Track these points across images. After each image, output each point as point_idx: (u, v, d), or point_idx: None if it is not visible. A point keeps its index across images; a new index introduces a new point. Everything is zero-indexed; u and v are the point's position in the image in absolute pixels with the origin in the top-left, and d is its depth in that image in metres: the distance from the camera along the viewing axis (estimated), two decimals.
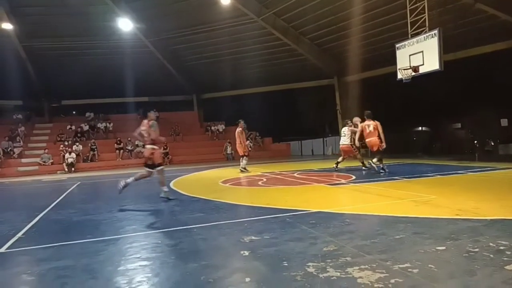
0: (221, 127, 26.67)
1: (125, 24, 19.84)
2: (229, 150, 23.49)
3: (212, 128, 26.53)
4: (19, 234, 4.83)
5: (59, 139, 22.67)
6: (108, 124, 25.21)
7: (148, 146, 7.24)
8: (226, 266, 3.27)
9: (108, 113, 27.07)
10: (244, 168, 13.19)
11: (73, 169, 19.61)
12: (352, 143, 11.30)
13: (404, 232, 3.94)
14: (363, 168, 11.14)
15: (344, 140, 11.53)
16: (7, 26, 18.90)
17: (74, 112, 29.60)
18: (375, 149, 10.16)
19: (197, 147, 24.45)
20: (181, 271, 3.16)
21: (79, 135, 23.43)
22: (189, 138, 25.69)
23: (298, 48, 20.62)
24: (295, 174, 11.18)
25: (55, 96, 26.64)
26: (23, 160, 20.74)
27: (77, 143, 21.81)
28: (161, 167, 7.29)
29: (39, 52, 22.04)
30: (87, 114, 26.05)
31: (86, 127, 24.37)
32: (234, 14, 19.11)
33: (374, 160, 10.14)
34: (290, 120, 31.55)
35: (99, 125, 24.99)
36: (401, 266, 2.93)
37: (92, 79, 24.26)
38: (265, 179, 10.23)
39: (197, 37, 21.55)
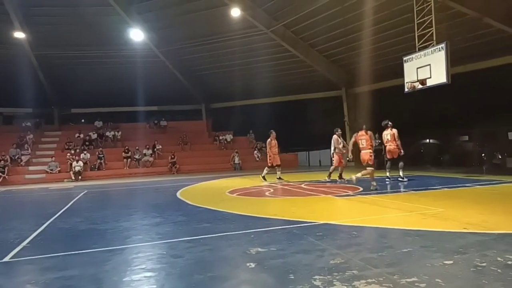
0: (229, 137, 26.72)
1: (137, 35, 20.14)
2: (236, 160, 23.51)
3: (220, 137, 26.59)
4: (25, 243, 4.85)
5: (67, 147, 22.85)
6: (116, 133, 25.40)
7: (366, 151, 9.06)
8: (232, 278, 3.26)
9: (117, 122, 27.29)
10: (264, 178, 13.21)
11: (80, 177, 19.74)
12: (339, 151, 12.32)
13: (412, 245, 3.91)
14: (338, 180, 11.86)
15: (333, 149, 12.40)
16: (20, 35, 19.27)
17: (83, 120, 29.90)
18: (394, 156, 11.09)
19: (205, 157, 24.49)
20: (186, 282, 3.16)
21: (87, 143, 23.61)
22: (197, 147, 25.76)
23: (307, 59, 20.71)
24: (302, 185, 11.14)
25: (65, 104, 26.96)
26: (31, 168, 20.91)
27: (85, 152, 21.97)
28: (372, 168, 9.06)
29: (50, 60, 22.40)
30: (96, 122, 26.29)
31: (94, 136, 24.57)
32: (244, 25, 19.29)
33: (401, 173, 10.99)
34: (298, 131, 31.48)
35: (107, 133, 25.18)
36: (408, 280, 2.90)
37: (102, 88, 24.55)
38: (272, 190, 10.21)
39: (207, 48, 21.75)
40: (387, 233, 4.62)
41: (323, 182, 11.94)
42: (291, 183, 11.89)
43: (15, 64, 21.55)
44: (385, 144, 11.33)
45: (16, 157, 21.16)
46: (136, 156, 22.75)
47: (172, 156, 22.55)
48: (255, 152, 24.94)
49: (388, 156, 11.30)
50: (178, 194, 10.14)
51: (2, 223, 6.74)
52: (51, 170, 20.49)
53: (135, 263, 3.79)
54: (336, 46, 19.38)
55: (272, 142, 13.56)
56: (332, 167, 12.49)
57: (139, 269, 3.55)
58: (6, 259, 4.13)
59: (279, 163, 13.56)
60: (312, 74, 22.25)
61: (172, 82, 24.90)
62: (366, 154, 9.05)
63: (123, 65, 23.25)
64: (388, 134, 11.10)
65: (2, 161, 19.59)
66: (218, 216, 6.41)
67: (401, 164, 11.09)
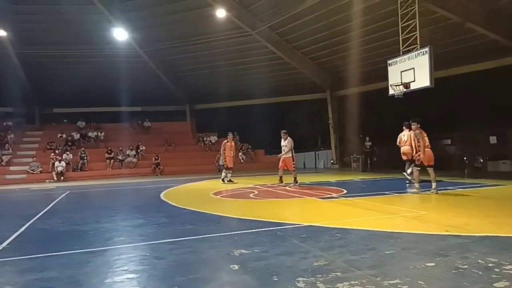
0: (213, 138, 26.57)
1: (120, 34, 19.85)
2: (221, 162, 23.33)
3: (205, 139, 26.45)
4: (4, 244, 4.72)
5: (49, 147, 22.39)
6: (99, 133, 25.00)
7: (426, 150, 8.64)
8: (215, 280, 3.23)
9: (100, 122, 26.85)
10: (223, 180, 13.59)
11: (62, 178, 19.34)
12: (292, 155, 11.80)
13: (394, 248, 3.94)
14: (278, 184, 11.65)
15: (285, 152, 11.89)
16: (1, 33, 18.79)
17: (65, 120, 29.31)
18: (404, 158, 10.64)
19: (189, 158, 24.31)
20: (168, 284, 3.11)
21: (69, 143, 23.17)
22: (181, 148, 25.56)
23: (292, 61, 20.81)
24: (286, 187, 11.15)
25: (47, 104, 26.41)
26: (11, 168, 20.39)
27: (68, 152, 21.54)
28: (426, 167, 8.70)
29: (32, 59, 21.93)
30: (79, 122, 25.83)
31: (77, 136, 24.12)
32: (229, 27, 19.27)
33: (408, 171, 10.49)
34: None
35: (90, 134, 24.76)
36: (391, 282, 2.91)
37: (85, 88, 24.12)
38: (256, 192, 10.19)
39: (191, 48, 21.63)
40: (370, 235, 4.66)
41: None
42: (275, 185, 11.89)
43: None
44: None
45: None
46: (119, 157, 22.41)
47: (156, 157, 22.30)
48: (240, 154, 24.90)
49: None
50: (161, 196, 10.02)
51: None
52: (33, 170, 20.03)
53: (117, 264, 3.72)
54: (320, 48, 19.54)
55: (227, 145, 13.82)
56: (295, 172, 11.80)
57: (121, 271, 3.49)
58: None
59: (231, 166, 13.82)
60: (297, 76, 22.38)
61: (156, 83, 24.66)
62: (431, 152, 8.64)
63: (106, 64, 22.91)
64: (406, 135, 10.19)
65: None
66: (202, 218, 6.36)
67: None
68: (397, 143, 10.98)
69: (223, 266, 3.60)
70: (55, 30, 20.24)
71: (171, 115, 29.89)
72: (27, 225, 6.11)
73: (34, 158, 20.73)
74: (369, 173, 16.52)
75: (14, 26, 19.32)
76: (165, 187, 12.69)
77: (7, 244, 4.74)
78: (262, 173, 18.42)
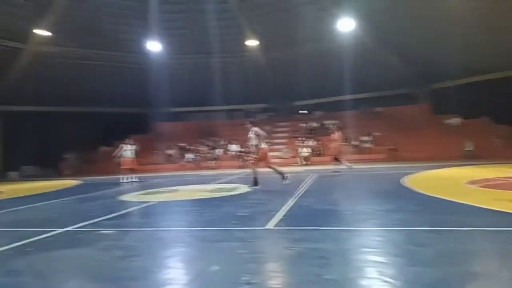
0: (456, 120, 23.72)
1: (344, 25, 20.41)
2: (469, 147, 20.44)
3: (445, 122, 23.93)
4: (281, 216, 5.59)
5: (294, 135, 25.78)
6: (335, 122, 26.59)
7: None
8: (489, 277, 2.91)
9: (334, 111, 28.46)
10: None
11: (308, 162, 21.82)
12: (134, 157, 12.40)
13: None
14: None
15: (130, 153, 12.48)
16: (253, 43, 22.78)
17: (305, 112, 32.78)
18: None
19: (426, 144, 22.45)
20: (437, 275, 3.01)
21: (310, 131, 25.98)
22: (416, 133, 23.92)
23: None
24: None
25: (288, 98, 30.34)
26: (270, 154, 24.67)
27: (311, 139, 24.11)
28: None
29: (273, 62, 25.50)
30: (317, 113, 28.59)
31: (315, 125, 26.67)
32: None
33: None
34: None
35: (326, 122, 26.84)
36: None
37: (321, 81, 26.10)
38: None
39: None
40: None
41: None
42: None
43: (250, 68, 25.55)
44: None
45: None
46: (354, 143, 23.22)
47: (393, 143, 22.00)
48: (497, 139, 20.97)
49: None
50: (404, 182, 9.69)
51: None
52: (285, 155, 23.42)
53: (373, 245, 3.89)
54: None
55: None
56: None
57: (381, 252, 3.63)
58: (269, 226, 4.95)
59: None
60: None
61: (382, 66, 23.85)
62: None
63: (335, 55, 23.38)
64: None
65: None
66: (460, 208, 5.72)
67: None
68: None
69: (499, 262, 3.20)
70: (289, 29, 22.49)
71: (404, 98, 28.41)
72: (293, 201, 7.05)
73: (286, 145, 24.32)
74: None
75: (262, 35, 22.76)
76: (404, 173, 12.15)
77: (283, 216, 5.65)
78: None
